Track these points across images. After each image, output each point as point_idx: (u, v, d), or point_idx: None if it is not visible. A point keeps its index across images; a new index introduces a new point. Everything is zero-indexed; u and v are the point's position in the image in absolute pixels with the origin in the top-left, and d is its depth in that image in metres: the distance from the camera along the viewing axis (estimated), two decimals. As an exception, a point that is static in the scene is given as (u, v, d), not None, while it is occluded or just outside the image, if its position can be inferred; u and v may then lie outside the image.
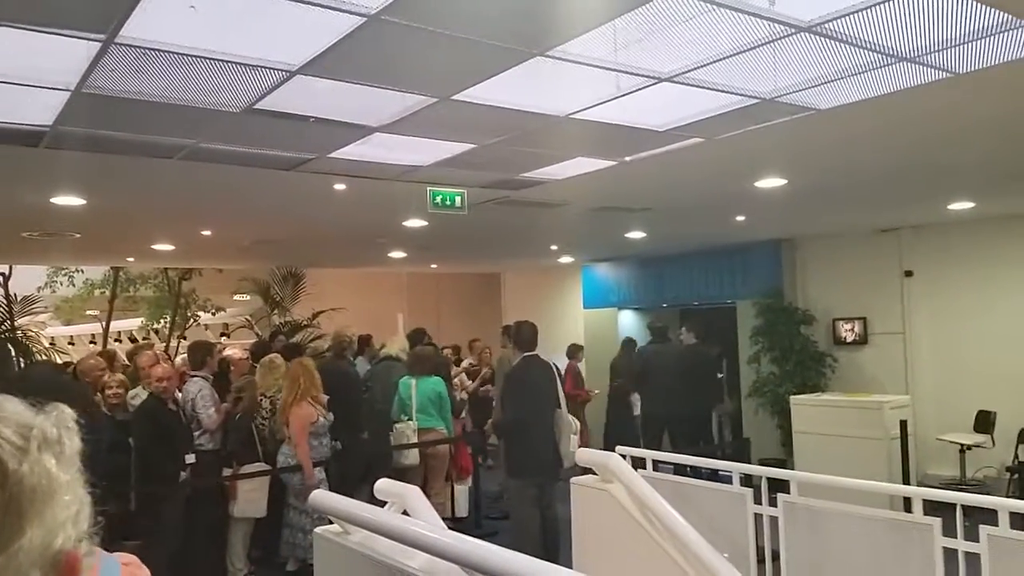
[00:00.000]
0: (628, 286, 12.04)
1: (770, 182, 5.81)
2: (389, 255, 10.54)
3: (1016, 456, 7.69)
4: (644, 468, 4.66)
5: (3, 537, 0.84)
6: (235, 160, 4.70)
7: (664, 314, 11.26)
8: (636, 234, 8.76)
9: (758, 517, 4.20)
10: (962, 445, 7.86)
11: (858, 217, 8.28)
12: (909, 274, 8.90)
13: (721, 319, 10.61)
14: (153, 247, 8.95)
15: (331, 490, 4.44)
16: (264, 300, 13.31)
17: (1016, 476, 7.29)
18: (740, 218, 7.78)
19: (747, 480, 4.38)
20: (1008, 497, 4.93)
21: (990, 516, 3.34)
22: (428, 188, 5.46)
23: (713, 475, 6.16)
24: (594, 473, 4.14)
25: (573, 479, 4.31)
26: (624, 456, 4.22)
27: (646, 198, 6.59)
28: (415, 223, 7.25)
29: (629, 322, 12.41)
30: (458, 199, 5.58)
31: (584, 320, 12.60)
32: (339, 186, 5.51)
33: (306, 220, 7.30)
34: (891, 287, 9.03)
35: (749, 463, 6.33)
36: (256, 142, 4.38)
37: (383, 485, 3.33)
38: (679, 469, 5.82)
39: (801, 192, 6.30)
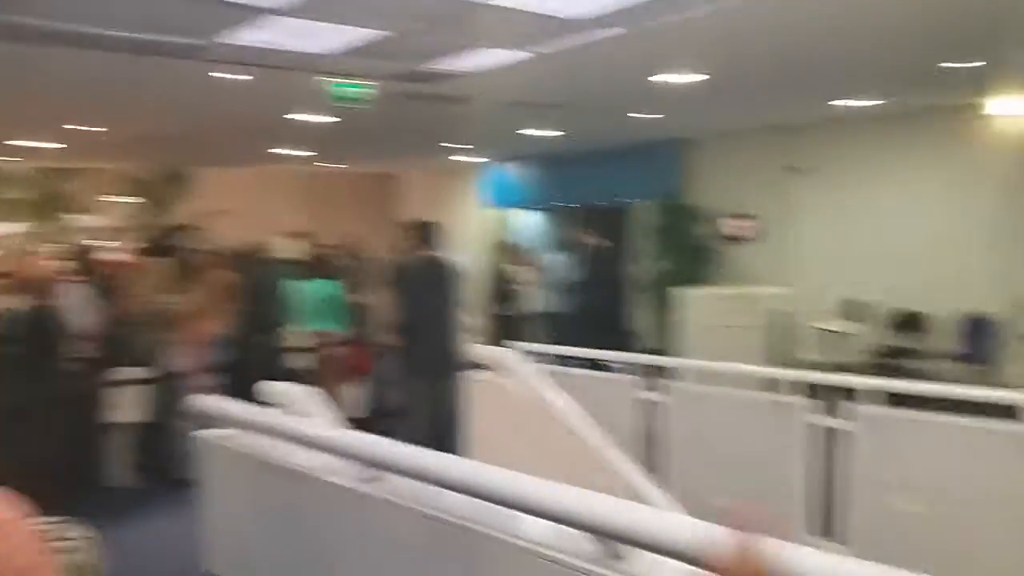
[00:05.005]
0: (529, 186, 12.01)
1: (680, 77, 5.78)
2: (283, 153, 10.07)
3: (887, 343, 8.26)
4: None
5: None
6: (120, 47, 4.28)
7: (566, 213, 11.30)
8: (542, 132, 8.66)
9: (645, 402, 4.41)
10: (837, 332, 8.36)
11: (751, 115, 8.39)
12: (797, 171, 9.15)
13: (619, 218, 10.77)
14: (26, 143, 8.22)
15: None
16: (147, 201, 12.61)
17: (887, 360, 7.88)
18: (642, 115, 7.74)
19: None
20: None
21: (872, 399, 3.63)
22: (329, 80, 5.17)
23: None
24: (489, 369, 4.15)
25: (469, 374, 4.33)
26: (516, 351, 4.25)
27: (558, 94, 6.46)
28: (314, 118, 6.91)
29: (528, 222, 12.41)
30: (363, 92, 5.31)
31: (481, 220, 12.50)
32: (231, 76, 5.14)
33: (194, 115, 6.84)
34: (780, 184, 9.30)
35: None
36: (142, 25, 3.99)
37: (276, 387, 3.10)
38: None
39: (709, 87, 6.28)
